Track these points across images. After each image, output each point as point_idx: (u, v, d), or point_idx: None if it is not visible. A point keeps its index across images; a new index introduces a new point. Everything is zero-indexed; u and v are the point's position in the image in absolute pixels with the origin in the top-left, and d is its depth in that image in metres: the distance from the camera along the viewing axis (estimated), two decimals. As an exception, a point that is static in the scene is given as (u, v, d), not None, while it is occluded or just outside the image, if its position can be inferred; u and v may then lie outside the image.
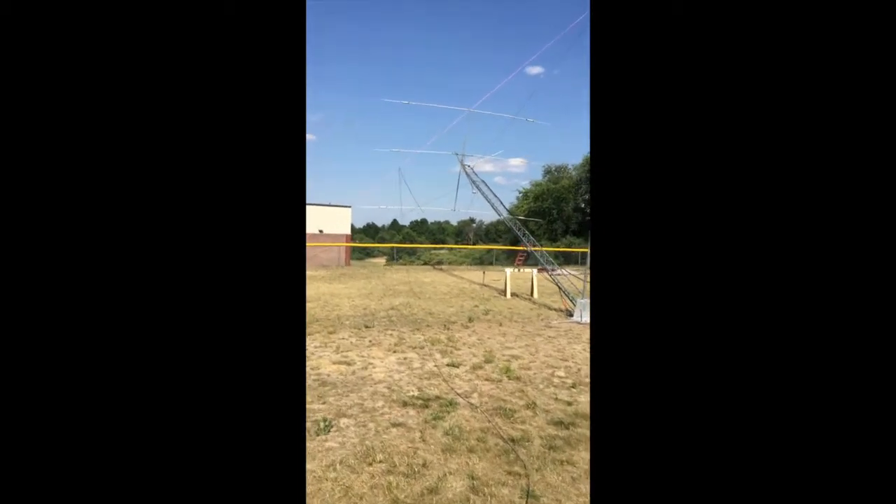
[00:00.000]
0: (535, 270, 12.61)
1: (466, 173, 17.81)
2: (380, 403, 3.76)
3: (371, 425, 3.31)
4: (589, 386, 4.13)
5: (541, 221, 29.34)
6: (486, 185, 15.39)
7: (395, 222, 76.99)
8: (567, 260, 25.83)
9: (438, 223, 73.94)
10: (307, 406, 3.68)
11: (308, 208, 28.45)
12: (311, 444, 2.97)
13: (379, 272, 18.88)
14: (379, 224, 73.19)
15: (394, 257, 34.33)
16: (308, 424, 3.30)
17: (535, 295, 11.21)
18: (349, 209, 30.27)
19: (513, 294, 11.33)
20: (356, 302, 9.80)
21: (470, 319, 7.92)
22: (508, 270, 11.97)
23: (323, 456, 2.82)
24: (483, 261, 24.51)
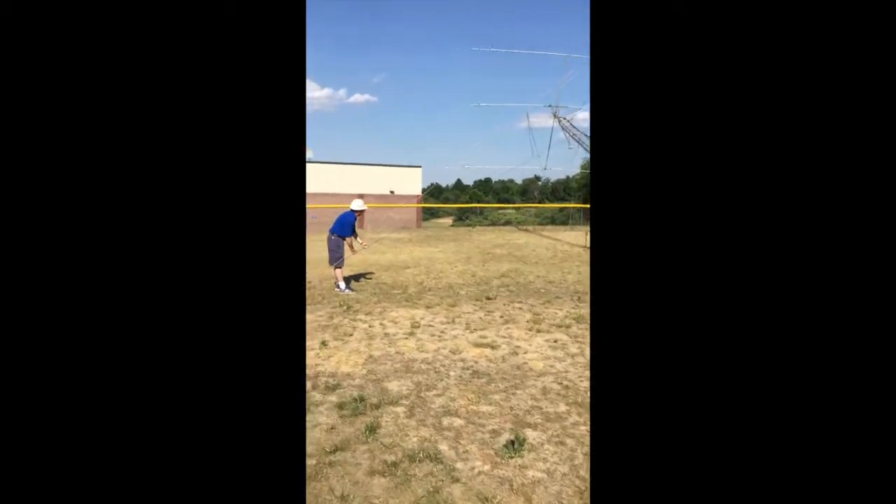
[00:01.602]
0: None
1: (562, 127, 16.40)
2: (562, 408, 2.99)
3: (570, 442, 2.54)
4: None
5: None
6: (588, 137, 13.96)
7: (458, 182, 75.86)
8: None
9: (502, 182, 71.98)
10: (472, 407, 2.99)
11: (378, 169, 28.31)
12: (504, 472, 2.25)
13: (466, 234, 18.18)
14: (443, 184, 72.45)
15: (461, 218, 33.58)
16: (485, 436, 2.61)
17: None
18: (419, 169, 29.59)
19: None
20: (459, 268, 9.12)
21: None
22: None
23: (534, 496, 2.08)
24: (555, 220, 22.97)
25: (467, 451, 2.48)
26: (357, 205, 6.96)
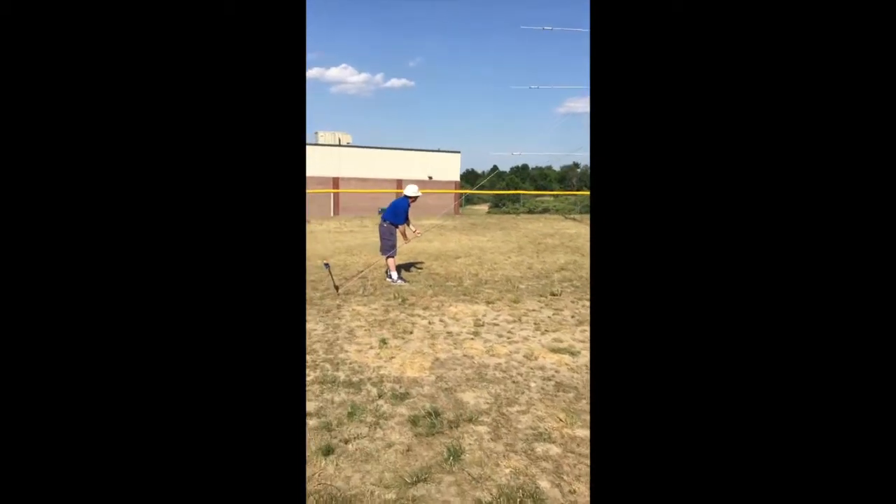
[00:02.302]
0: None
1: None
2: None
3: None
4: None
5: None
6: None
7: (494, 168, 74.38)
8: None
9: (540, 168, 70.29)
10: (566, 431, 2.56)
11: (416, 154, 27.87)
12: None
13: (511, 222, 17.60)
14: (479, 170, 71.34)
15: (498, 205, 32.87)
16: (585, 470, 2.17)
17: None
18: (458, 155, 29.00)
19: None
20: (513, 259, 8.64)
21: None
22: None
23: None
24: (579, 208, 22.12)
25: (574, 490, 2.06)
26: (411, 190, 6.57)
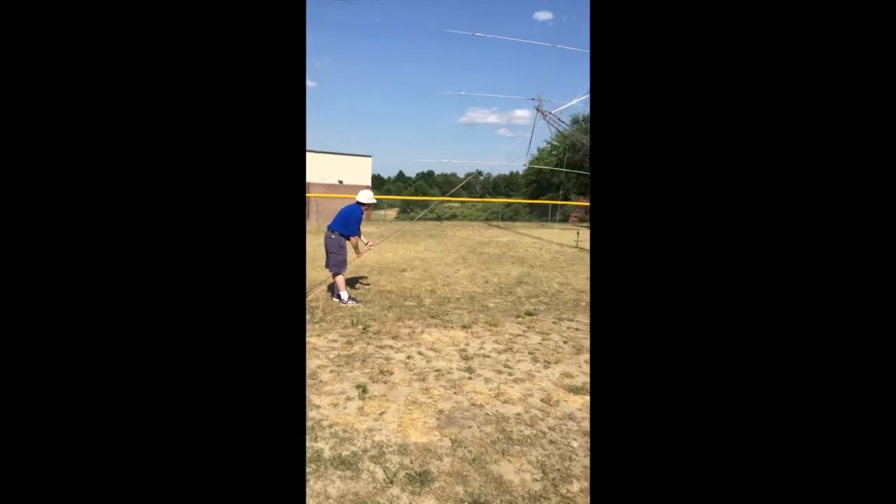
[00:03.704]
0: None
1: (546, 121, 15.67)
2: None
3: None
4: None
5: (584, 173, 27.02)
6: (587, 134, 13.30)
7: (401, 174, 74.28)
8: None
9: (445, 175, 71.62)
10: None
11: (327, 157, 26.50)
12: None
13: (439, 230, 17.03)
14: (384, 176, 70.88)
15: (405, 210, 32.65)
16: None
17: None
18: (370, 159, 28.15)
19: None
20: (462, 272, 8.04)
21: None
22: None
23: None
24: (502, 215, 22.45)
25: None
26: (364, 196, 5.67)
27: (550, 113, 15.12)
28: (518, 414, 2.90)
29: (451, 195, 24.66)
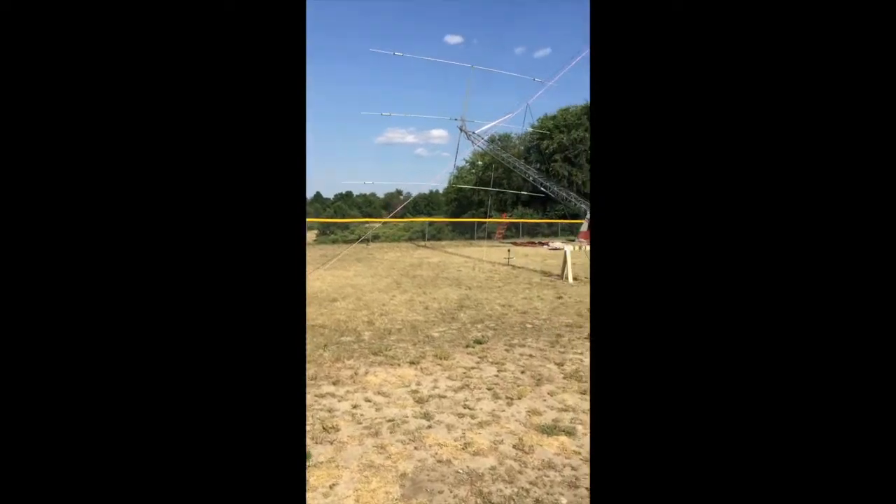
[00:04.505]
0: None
1: (471, 140, 15.79)
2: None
3: None
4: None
5: (504, 191, 27.76)
6: (506, 151, 13.53)
7: (318, 195, 72.62)
8: (528, 232, 24.93)
9: (364, 195, 71.27)
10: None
11: None
12: None
13: (365, 252, 16.39)
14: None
15: (324, 233, 31.95)
16: None
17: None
18: None
19: (575, 278, 9.48)
20: (398, 298, 7.60)
21: (592, 321, 5.96)
22: (569, 248, 10.00)
23: None
24: (425, 234, 22.54)
25: None
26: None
27: (474, 133, 15.26)
28: (492, 468, 2.54)
29: (395, 216, 24.18)
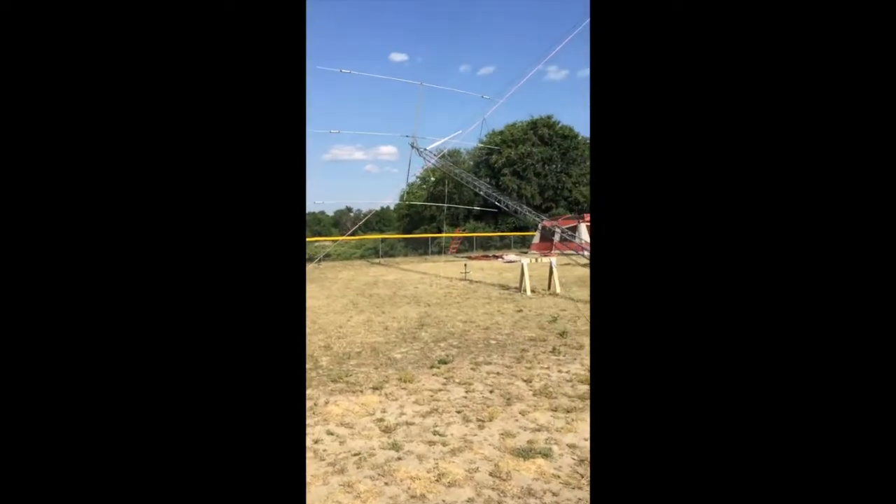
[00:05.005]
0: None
1: (423, 157, 15.77)
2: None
3: None
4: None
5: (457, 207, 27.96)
6: (457, 167, 13.58)
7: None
8: (481, 245, 25.22)
9: (314, 214, 70.03)
10: None
11: None
12: None
13: (318, 272, 15.89)
14: None
15: None
16: None
17: (558, 288, 9.51)
18: None
19: (532, 290, 9.53)
20: (355, 319, 7.34)
21: (562, 334, 5.93)
22: (525, 261, 10.05)
23: None
24: (378, 251, 22.40)
25: None
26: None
27: (426, 149, 15.27)
28: (470, 500, 2.38)
29: (351, 234, 23.64)
